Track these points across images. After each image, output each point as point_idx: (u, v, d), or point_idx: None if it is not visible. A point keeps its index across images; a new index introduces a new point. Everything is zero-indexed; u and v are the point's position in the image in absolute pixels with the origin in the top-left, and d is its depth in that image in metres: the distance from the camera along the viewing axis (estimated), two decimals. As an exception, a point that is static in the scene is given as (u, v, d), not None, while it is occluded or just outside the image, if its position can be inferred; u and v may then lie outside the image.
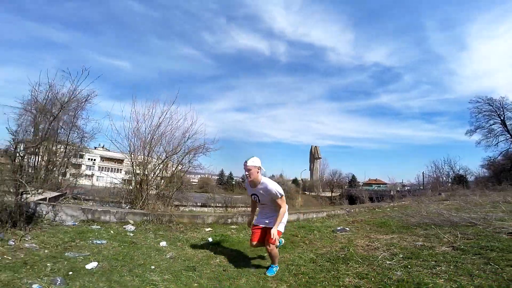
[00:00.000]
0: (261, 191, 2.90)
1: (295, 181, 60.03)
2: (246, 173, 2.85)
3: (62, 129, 8.93)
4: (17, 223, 3.55)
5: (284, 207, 2.92)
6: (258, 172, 2.85)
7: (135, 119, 7.80)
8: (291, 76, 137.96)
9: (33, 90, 8.30)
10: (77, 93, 7.13)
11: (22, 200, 3.69)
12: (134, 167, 7.98)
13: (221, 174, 53.60)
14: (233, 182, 52.53)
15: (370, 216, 6.89)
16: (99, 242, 3.59)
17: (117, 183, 9.07)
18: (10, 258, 2.71)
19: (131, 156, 8.18)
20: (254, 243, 3.03)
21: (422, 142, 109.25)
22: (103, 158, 42.32)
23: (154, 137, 8.21)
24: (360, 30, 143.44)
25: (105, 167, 43.01)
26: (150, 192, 7.79)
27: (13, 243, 3.12)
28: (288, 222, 6.38)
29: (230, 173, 57.12)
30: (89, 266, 2.69)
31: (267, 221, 3.01)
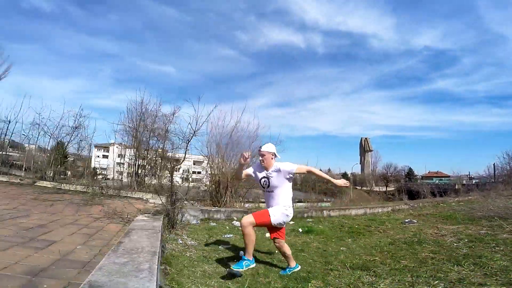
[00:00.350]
0: (274, 173, 2.95)
1: (344, 175, 59.03)
2: (260, 158, 3.00)
3: (156, 139, 11.14)
4: (174, 225, 4.86)
5: (310, 167, 3.06)
6: (272, 158, 2.99)
7: (210, 126, 9.46)
8: (332, 67, 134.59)
9: (129, 105, 10.54)
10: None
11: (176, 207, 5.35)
12: (212, 170, 9.68)
13: (267, 170, 55.18)
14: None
15: (434, 210, 7.49)
16: (229, 236, 5.03)
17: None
18: (192, 253, 3.52)
19: (209, 160, 9.91)
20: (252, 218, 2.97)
21: (491, 129, 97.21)
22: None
23: (229, 142, 9.81)
24: (401, 14, 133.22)
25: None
26: (228, 191, 9.39)
27: (181, 242, 3.98)
28: (356, 215, 7.37)
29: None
30: (241, 254, 4.00)
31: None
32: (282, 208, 2.97)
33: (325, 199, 26.87)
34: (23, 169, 11.29)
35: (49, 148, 11.69)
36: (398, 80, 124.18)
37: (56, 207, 5.14)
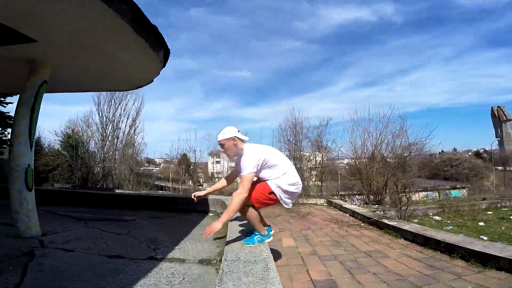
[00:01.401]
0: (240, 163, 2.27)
1: (478, 154, 50.02)
2: (222, 150, 2.37)
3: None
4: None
5: (238, 195, 2.09)
6: (235, 144, 2.27)
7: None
8: (418, 34, 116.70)
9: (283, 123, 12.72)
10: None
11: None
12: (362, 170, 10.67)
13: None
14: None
15: None
16: (449, 227, 6.31)
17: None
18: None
19: (355, 159, 11.06)
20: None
21: None
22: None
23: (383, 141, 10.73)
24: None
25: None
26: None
27: None
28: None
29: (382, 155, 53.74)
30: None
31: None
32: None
33: (458, 186, 24.23)
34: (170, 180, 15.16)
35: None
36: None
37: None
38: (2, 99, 7.53)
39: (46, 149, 12.71)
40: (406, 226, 4.05)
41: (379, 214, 5.49)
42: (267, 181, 2.27)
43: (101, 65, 3.29)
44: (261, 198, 2.24)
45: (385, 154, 10.79)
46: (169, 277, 2.04)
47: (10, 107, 7.95)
